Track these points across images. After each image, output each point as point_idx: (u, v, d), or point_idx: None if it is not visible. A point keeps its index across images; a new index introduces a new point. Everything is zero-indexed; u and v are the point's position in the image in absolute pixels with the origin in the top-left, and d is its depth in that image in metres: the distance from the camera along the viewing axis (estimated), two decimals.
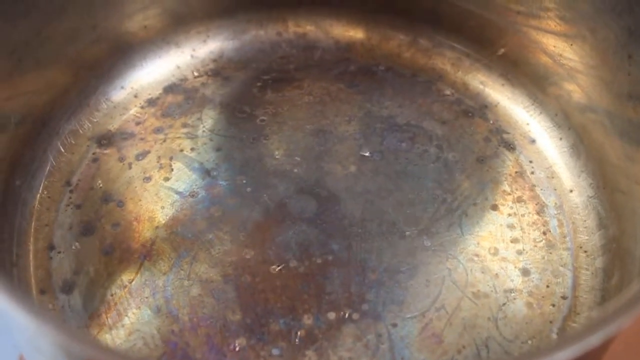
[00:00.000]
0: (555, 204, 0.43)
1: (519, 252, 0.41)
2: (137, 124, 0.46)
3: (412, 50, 0.50)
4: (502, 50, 0.47)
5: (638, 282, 0.31)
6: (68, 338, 0.27)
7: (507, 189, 0.44)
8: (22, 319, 0.27)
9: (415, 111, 0.47)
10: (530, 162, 0.45)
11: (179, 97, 0.47)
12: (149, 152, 0.45)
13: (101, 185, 0.43)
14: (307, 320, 0.38)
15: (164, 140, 0.45)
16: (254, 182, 0.43)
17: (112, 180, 0.43)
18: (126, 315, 0.38)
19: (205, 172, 0.44)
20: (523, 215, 0.42)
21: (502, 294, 0.39)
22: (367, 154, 0.45)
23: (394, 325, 0.38)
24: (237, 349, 0.37)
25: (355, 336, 0.38)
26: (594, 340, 0.26)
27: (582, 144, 0.45)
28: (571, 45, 0.44)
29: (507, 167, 0.45)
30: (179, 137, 0.45)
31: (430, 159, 0.45)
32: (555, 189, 0.44)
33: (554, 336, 0.38)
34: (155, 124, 0.46)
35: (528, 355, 0.28)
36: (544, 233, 0.42)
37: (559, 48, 0.45)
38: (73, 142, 0.45)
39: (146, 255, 0.40)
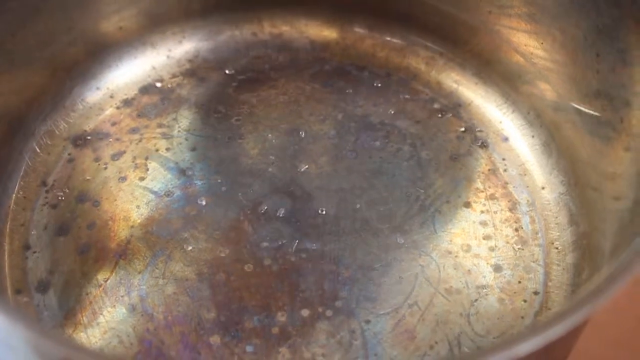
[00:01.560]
0: (528, 201, 0.44)
1: (491, 249, 0.41)
2: (113, 124, 0.46)
3: (386, 49, 0.50)
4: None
5: (604, 273, 0.32)
6: (41, 337, 0.27)
7: (480, 186, 0.44)
8: None
9: (390, 110, 0.47)
10: (503, 159, 0.45)
11: (154, 97, 0.47)
12: (124, 152, 0.45)
13: (77, 185, 0.43)
14: (281, 317, 0.38)
15: (140, 141, 0.45)
16: (229, 181, 0.44)
17: (88, 180, 0.44)
18: (101, 314, 0.38)
19: (181, 172, 0.44)
20: (495, 213, 0.43)
21: (475, 290, 0.40)
22: (341, 153, 0.45)
23: (367, 321, 0.38)
24: (211, 346, 0.37)
25: (328, 333, 0.38)
26: (560, 330, 0.27)
27: (553, 142, 0.45)
28: (542, 44, 0.44)
29: (480, 165, 0.45)
30: (154, 137, 0.45)
31: (404, 157, 0.45)
32: (527, 186, 0.44)
33: None
34: (131, 125, 0.46)
35: (497, 348, 0.28)
36: (516, 230, 0.42)
37: (531, 47, 0.45)
38: (49, 142, 0.45)
39: (121, 255, 0.40)
